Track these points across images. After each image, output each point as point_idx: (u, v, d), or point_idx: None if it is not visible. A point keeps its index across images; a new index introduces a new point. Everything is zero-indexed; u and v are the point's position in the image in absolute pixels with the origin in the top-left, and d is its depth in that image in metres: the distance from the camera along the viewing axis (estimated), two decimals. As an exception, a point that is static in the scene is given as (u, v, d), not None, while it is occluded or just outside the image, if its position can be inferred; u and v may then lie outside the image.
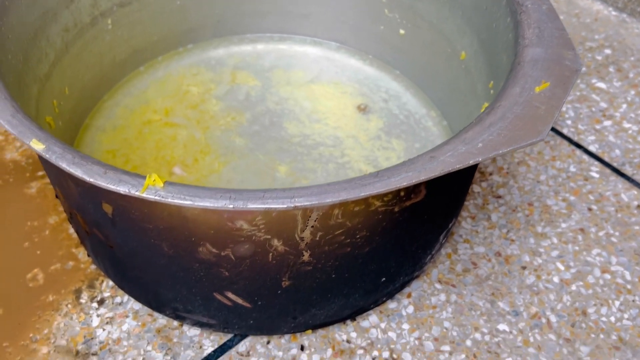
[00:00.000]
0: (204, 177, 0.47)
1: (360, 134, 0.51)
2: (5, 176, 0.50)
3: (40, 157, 0.34)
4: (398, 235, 0.35)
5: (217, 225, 0.30)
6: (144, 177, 0.27)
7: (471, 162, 0.28)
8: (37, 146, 0.28)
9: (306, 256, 0.33)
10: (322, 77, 0.56)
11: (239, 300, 0.36)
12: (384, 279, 0.38)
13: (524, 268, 0.45)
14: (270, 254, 0.32)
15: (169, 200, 0.27)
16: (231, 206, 0.27)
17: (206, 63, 0.56)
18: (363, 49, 0.57)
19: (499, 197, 0.50)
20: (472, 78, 0.46)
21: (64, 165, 0.28)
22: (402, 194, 0.32)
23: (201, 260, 0.33)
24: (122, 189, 0.27)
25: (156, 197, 0.27)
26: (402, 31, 0.53)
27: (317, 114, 0.52)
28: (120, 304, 0.42)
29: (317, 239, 0.32)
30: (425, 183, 0.32)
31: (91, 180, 0.27)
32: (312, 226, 0.31)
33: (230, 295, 0.36)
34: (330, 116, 0.52)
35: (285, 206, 0.27)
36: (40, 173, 0.50)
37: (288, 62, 0.57)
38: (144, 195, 0.27)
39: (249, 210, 0.27)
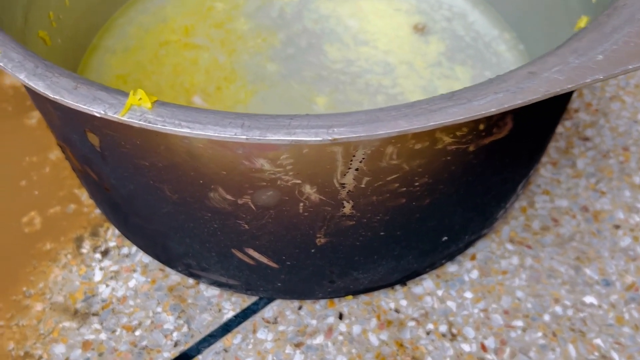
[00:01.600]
0: (228, 109, 0.39)
1: (417, 60, 0.42)
2: (3, 104, 0.43)
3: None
4: (469, 184, 0.27)
5: (230, 164, 0.23)
6: (126, 95, 0.20)
7: (589, 81, 0.20)
8: (-10, 53, 0.21)
9: (347, 208, 0.25)
10: (371, -9, 0.46)
11: (263, 259, 0.29)
12: (445, 237, 0.30)
13: (617, 227, 0.36)
14: (301, 204, 0.25)
15: (159, 126, 0.19)
16: (244, 137, 0.19)
17: (234, -26, 0.48)
18: (422, -43, 0.47)
19: (587, 139, 0.40)
20: (564, -14, 0.36)
21: (22, 77, 0.20)
22: (481, 127, 0.23)
23: (213, 209, 0.26)
24: (96, 110, 0.19)
25: (141, 122, 0.19)
26: None
27: (365, 35, 0.43)
28: (127, 255, 0.36)
29: (363, 186, 0.24)
30: (514, 113, 0.23)
31: (56, 97, 0.20)
32: (357, 169, 0.23)
33: (252, 252, 0.28)
34: (380, 38, 0.43)
35: (319, 138, 0.19)
36: (43, 101, 0.43)
37: (331, -27, 0.48)
38: (125, 118, 0.19)
39: (269, 144, 0.20)
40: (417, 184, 0.25)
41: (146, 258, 0.36)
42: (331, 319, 0.33)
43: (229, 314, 0.34)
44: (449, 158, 0.24)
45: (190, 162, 0.23)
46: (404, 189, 0.25)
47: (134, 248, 0.36)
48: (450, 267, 0.35)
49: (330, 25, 0.44)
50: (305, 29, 0.44)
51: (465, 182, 0.26)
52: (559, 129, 0.41)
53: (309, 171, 0.23)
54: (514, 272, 0.35)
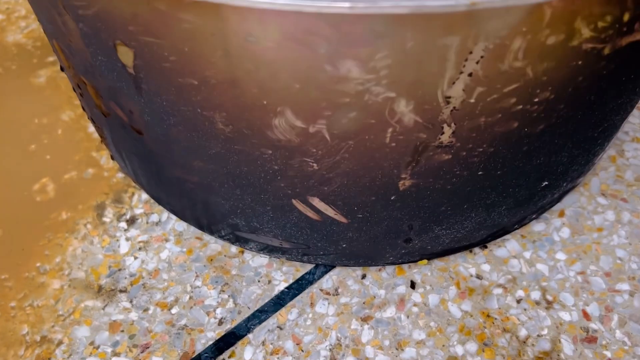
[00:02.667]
0: None
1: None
2: (6, 63, 0.38)
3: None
4: (590, 106, 0.22)
5: (307, 71, 0.18)
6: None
7: None
8: None
9: (447, 135, 0.20)
10: None
11: (330, 212, 0.24)
12: (545, 182, 0.25)
13: None
14: (390, 130, 0.20)
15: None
16: (348, 5, 0.14)
17: None
18: None
19: (676, 80, 0.35)
20: None
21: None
22: (625, 18, 0.18)
23: (277, 142, 0.20)
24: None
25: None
26: None
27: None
28: (157, 223, 0.31)
29: (473, 100, 0.19)
30: (662, 2, 0.18)
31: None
32: (470, 74, 0.18)
33: (317, 203, 0.23)
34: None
35: (452, 3, 0.14)
36: (51, 58, 0.38)
37: None
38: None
39: (371, 33, 0.14)
40: (536, 99, 0.20)
41: (180, 225, 0.30)
42: (402, 289, 0.28)
43: (281, 286, 0.28)
44: (580, 63, 0.19)
45: (254, 73, 0.18)
46: (520, 106, 0.20)
47: (166, 214, 0.31)
48: (537, 226, 0.30)
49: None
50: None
51: (587, 102, 0.21)
52: None
53: (408, 78, 0.18)
54: (611, 228, 0.30)
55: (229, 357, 0.26)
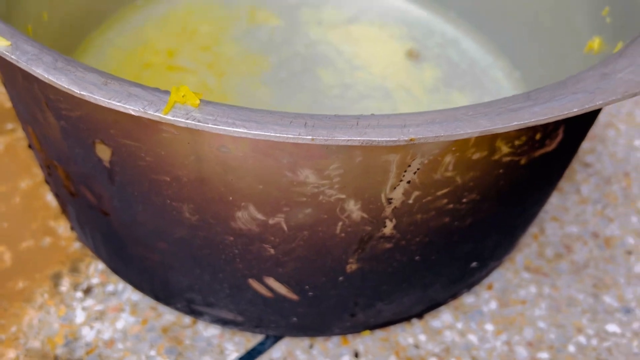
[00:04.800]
0: (222, 133, 0.37)
1: (414, 85, 0.41)
2: (-37, 129, 0.39)
3: (5, 72, 0.23)
4: (510, 202, 0.25)
5: (270, 176, 0.20)
6: (166, 92, 0.17)
7: (669, 82, 0.19)
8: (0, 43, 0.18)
9: (389, 228, 0.23)
10: (361, 17, 0.45)
11: (283, 290, 0.26)
12: (474, 264, 0.28)
13: (629, 253, 0.36)
14: (340, 223, 0.22)
15: (210, 125, 0.16)
16: (309, 137, 0.16)
17: (219, -2, 0.46)
18: (411, -14, 0.46)
19: (588, 165, 0.40)
20: (566, 9, 0.36)
21: (40, 71, 0.17)
22: (538, 136, 0.22)
23: (238, 231, 0.23)
24: (132, 108, 0.17)
25: (189, 121, 0.17)
26: (465, -40, 0.43)
27: (359, 61, 0.42)
28: (113, 293, 0.32)
29: (411, 201, 0.22)
30: (566, 123, 0.22)
31: (84, 93, 0.17)
32: (409, 181, 0.21)
33: (271, 282, 0.25)
34: (375, 63, 0.42)
35: (395, 139, 0.17)
36: (10, 126, 0.39)
37: (319, -1, 0.47)
38: (169, 117, 0.16)
39: (319, 152, 0.17)
40: (464, 200, 0.23)
41: (136, 295, 0.32)
42: (346, 358, 0.30)
43: (233, 356, 0.30)
44: (500, 171, 0.22)
45: (222, 175, 0.20)
46: (451, 206, 0.23)
47: (121, 284, 0.32)
48: (468, 299, 0.33)
49: (323, 50, 0.43)
50: (297, 53, 0.42)
51: (508, 200, 0.25)
52: (560, 155, 0.40)
53: (356, 184, 0.21)
54: (533, 301, 0.33)
55: None
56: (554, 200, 0.38)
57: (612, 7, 0.31)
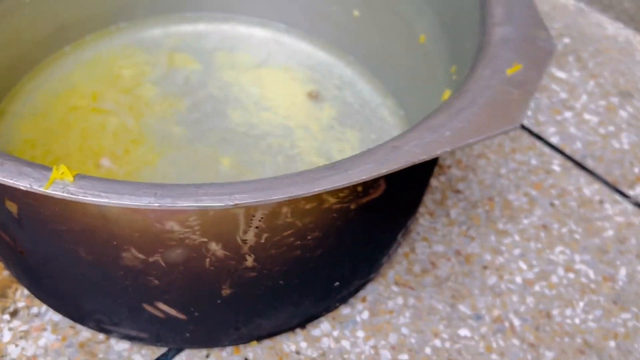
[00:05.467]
0: (136, 170, 0.42)
1: (312, 124, 0.47)
2: None
3: None
4: (353, 236, 0.31)
5: (142, 227, 0.26)
6: (50, 169, 0.23)
7: (439, 152, 0.25)
8: None
9: (250, 261, 0.29)
10: (270, 61, 0.51)
11: (172, 312, 0.31)
12: (337, 283, 0.34)
13: (485, 268, 0.42)
14: (208, 260, 0.28)
15: (80, 197, 0.22)
16: (157, 204, 0.22)
17: (140, 43, 0.51)
18: (314, 31, 0.52)
19: (459, 191, 0.46)
20: (432, 63, 0.42)
21: (-52, 155, 0.23)
22: (359, 189, 0.28)
23: (126, 267, 0.28)
24: (22, 184, 0.22)
25: (64, 194, 0.22)
26: (356, 12, 0.49)
27: (265, 102, 0.48)
28: (37, 315, 0.37)
29: (263, 241, 0.28)
30: (385, 177, 0.28)
31: (-17, 173, 0.22)
32: (257, 227, 0.27)
33: (161, 306, 0.31)
34: (279, 104, 0.48)
35: (223, 204, 0.22)
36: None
37: (232, 44, 0.52)
38: (49, 191, 0.22)
39: (179, 210, 0.23)
40: (309, 237, 0.29)
41: (56, 316, 0.37)
42: (237, 364, 0.36)
43: (140, 366, 0.35)
44: (334, 215, 0.28)
45: (106, 226, 0.26)
46: (299, 242, 0.29)
47: (44, 307, 0.37)
48: (344, 310, 0.39)
49: (234, 92, 0.48)
50: (210, 95, 0.48)
51: (350, 234, 0.31)
52: (435, 182, 0.47)
53: (214, 231, 0.26)
54: (399, 311, 0.39)
55: None
56: (426, 223, 0.44)
57: (458, 67, 0.38)
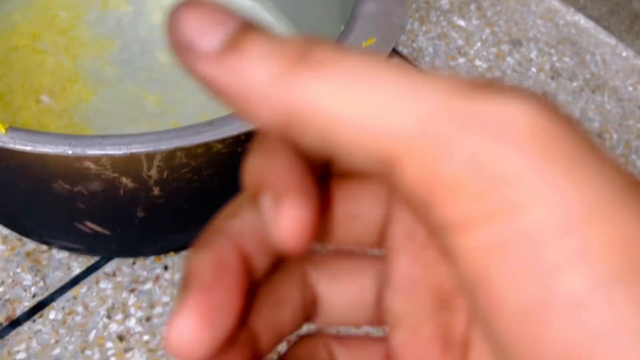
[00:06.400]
0: (72, 107, 0.48)
1: (230, 66, 0.53)
2: None
3: None
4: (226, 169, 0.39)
5: (66, 165, 0.33)
6: (-14, 123, 0.29)
7: (295, 113, 0.32)
8: None
9: (156, 191, 0.36)
10: (196, 5, 0.56)
11: (99, 229, 0.39)
12: (237, 207, 0.42)
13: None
14: (122, 190, 0.35)
15: (11, 146, 0.29)
16: (70, 152, 0.29)
17: (76, -14, 0.55)
18: (237, -22, 0.57)
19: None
20: (331, 15, 0.49)
21: None
22: (242, 137, 0.35)
23: (57, 194, 0.35)
24: (-36, 135, 0.29)
25: (0, 144, 0.29)
26: (272, -36, 0.54)
27: (189, 44, 0.54)
28: (-11, 229, 0.44)
29: (165, 176, 0.35)
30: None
31: None
32: (158, 166, 0.34)
33: (89, 224, 0.39)
34: (201, 47, 0.54)
35: (122, 152, 0.30)
36: None
37: (161, -12, 0.57)
38: (-14, 141, 0.29)
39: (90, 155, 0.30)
40: (204, 173, 0.36)
41: (5, 230, 0.44)
42: (158, 270, 0.44)
43: (77, 271, 0.43)
44: (224, 157, 0.36)
45: (37, 163, 0.33)
46: (196, 177, 0.36)
47: (-5, 223, 0.44)
48: (250, 228, 0.47)
49: (161, 35, 0.54)
50: (139, 37, 0.53)
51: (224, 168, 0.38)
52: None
53: (123, 169, 0.34)
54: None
55: (39, 317, 0.41)
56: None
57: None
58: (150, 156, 0.33)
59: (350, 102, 0.12)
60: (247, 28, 0.13)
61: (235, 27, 0.13)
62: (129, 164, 0.33)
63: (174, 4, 0.13)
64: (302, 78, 0.12)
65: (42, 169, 0.33)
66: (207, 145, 0.34)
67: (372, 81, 0.12)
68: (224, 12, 0.13)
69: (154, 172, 0.34)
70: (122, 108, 0.49)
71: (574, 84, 0.59)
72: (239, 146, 0.36)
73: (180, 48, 0.13)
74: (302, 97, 0.12)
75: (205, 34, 0.13)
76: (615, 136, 0.56)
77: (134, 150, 0.30)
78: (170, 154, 0.33)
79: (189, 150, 0.34)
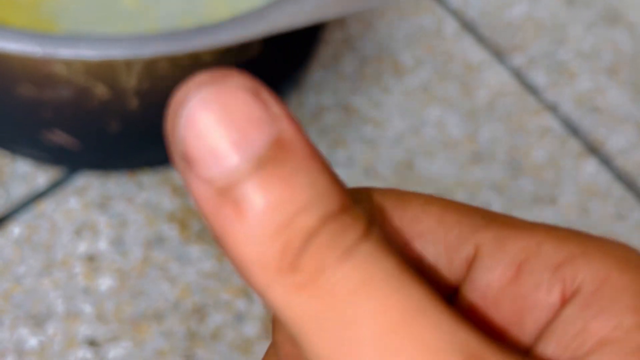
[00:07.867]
0: (41, 4, 0.43)
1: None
2: None
3: None
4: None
5: (34, 66, 0.29)
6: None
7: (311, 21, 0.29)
8: None
9: (134, 103, 0.33)
10: None
11: (69, 139, 0.36)
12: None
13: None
14: (97, 100, 0.32)
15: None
16: (40, 52, 0.25)
17: None
18: None
19: (354, 48, 0.50)
20: None
21: None
22: (233, 49, 0.31)
23: (22, 99, 0.32)
24: None
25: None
26: None
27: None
28: (-56, 132, 0.40)
29: (145, 88, 0.31)
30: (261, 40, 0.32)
31: None
32: (138, 74, 0.30)
33: (58, 133, 0.35)
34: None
35: (98, 55, 0.26)
36: None
37: None
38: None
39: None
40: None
41: (-37, 135, 0.40)
42: (132, 186, 0.41)
43: (43, 185, 0.40)
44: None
45: (8, 63, 0.29)
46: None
47: (-49, 126, 0.40)
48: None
49: None
50: None
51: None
52: (331, 37, 0.50)
53: (100, 76, 0.30)
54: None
55: (1, 232, 0.38)
56: (316, 78, 0.48)
57: None
58: (129, 63, 0.29)
59: None
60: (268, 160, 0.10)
61: (253, 154, 0.10)
62: (108, 71, 0.29)
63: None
64: (290, 292, 0.10)
65: (11, 69, 0.29)
66: (195, 56, 0.30)
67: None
68: (253, 123, 0.10)
69: (133, 82, 0.31)
70: (94, 7, 0.44)
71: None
72: (231, 60, 0.32)
73: (176, 152, 0.10)
74: (292, 317, 0.10)
75: (210, 157, 0.10)
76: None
77: (112, 56, 0.26)
78: (153, 62, 0.30)
79: (174, 61, 0.30)
